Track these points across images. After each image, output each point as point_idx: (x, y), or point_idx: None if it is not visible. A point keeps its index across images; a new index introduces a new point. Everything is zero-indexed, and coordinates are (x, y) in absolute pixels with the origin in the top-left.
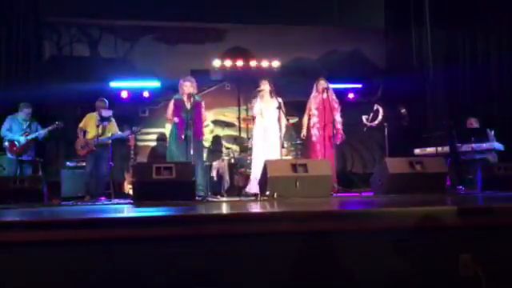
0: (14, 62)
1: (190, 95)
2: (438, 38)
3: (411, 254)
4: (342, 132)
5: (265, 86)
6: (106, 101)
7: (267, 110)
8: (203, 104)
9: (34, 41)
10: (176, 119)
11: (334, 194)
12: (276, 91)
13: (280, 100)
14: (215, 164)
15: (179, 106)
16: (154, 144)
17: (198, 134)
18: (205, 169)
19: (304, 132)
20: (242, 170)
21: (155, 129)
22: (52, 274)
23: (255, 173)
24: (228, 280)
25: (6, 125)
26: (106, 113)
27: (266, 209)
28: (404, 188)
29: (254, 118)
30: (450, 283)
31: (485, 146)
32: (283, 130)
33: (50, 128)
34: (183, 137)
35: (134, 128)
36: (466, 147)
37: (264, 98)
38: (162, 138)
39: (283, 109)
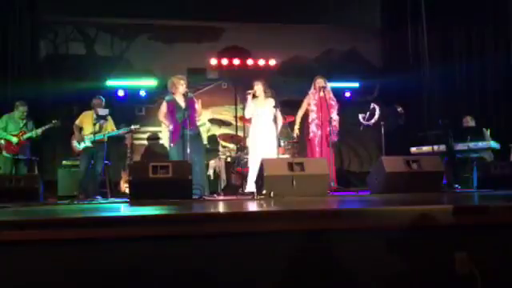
0: (9, 61)
1: (185, 94)
2: (435, 37)
3: (407, 253)
4: (337, 130)
5: (258, 87)
6: (103, 99)
7: (262, 110)
8: (195, 99)
9: (29, 39)
10: (171, 126)
11: (331, 193)
12: (272, 90)
13: (275, 99)
14: (212, 163)
15: (173, 107)
16: (150, 143)
17: (195, 128)
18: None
19: (296, 130)
20: (239, 168)
21: (152, 127)
22: (47, 274)
23: (251, 172)
24: (225, 279)
25: (1, 123)
26: (103, 111)
27: (262, 208)
28: (400, 187)
29: (245, 120)
30: (446, 281)
31: (481, 144)
32: (279, 128)
33: (47, 127)
34: (182, 135)
35: (132, 126)
36: (462, 146)
37: (258, 98)
38: (158, 136)
39: (279, 107)
